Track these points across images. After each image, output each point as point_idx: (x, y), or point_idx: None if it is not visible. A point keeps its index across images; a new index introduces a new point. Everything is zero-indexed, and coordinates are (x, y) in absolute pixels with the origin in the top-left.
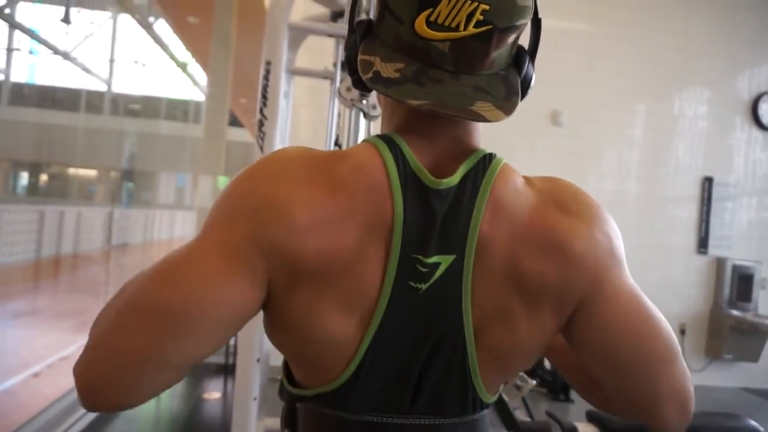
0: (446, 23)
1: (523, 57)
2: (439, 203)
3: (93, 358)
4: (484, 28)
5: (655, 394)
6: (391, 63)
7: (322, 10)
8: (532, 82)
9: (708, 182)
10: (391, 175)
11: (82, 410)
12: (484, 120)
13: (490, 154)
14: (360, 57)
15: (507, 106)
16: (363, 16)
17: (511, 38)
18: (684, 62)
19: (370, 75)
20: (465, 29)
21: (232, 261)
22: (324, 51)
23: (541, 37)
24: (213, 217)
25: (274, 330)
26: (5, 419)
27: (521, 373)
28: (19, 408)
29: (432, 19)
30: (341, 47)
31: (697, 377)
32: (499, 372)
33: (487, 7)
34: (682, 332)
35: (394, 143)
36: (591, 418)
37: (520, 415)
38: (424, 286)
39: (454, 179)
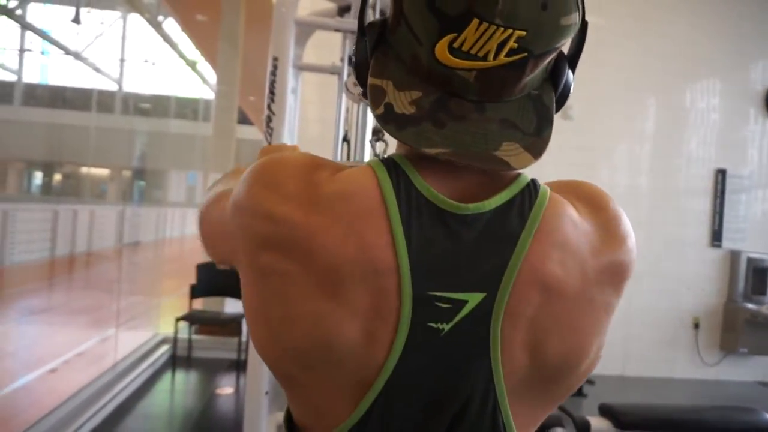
0: (473, 51)
1: (561, 68)
2: (464, 230)
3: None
4: (517, 57)
5: None
6: (406, 92)
7: (329, 5)
8: (571, 90)
9: (721, 174)
10: (388, 201)
11: (98, 406)
12: (510, 168)
13: (534, 181)
14: (370, 80)
15: (537, 146)
16: (376, 14)
17: (549, 58)
18: (695, 54)
19: (381, 110)
20: (495, 59)
21: (224, 227)
22: (331, 47)
23: (585, 41)
24: (234, 193)
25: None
26: (22, 415)
27: None
28: (35, 404)
29: (456, 45)
30: (348, 42)
31: (712, 371)
32: (539, 418)
33: (523, 34)
34: (695, 326)
35: (397, 166)
36: (603, 411)
37: None
38: (446, 327)
39: (486, 205)
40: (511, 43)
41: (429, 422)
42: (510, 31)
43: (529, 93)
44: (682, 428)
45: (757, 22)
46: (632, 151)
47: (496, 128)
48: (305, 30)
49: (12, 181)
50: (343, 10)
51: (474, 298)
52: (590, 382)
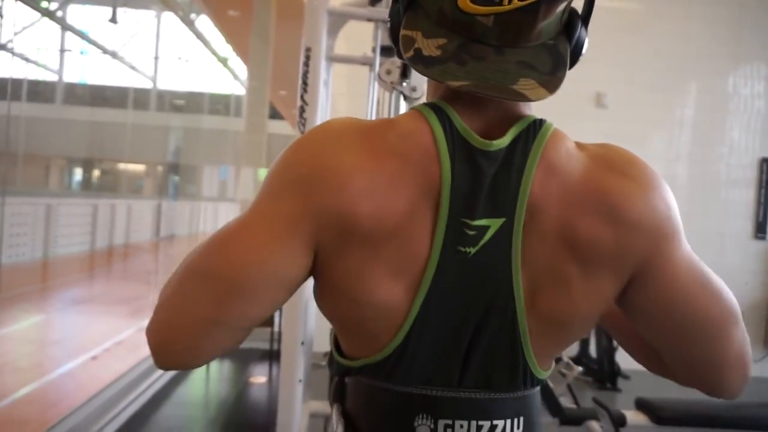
0: None
1: (574, 22)
2: (487, 164)
3: (160, 320)
4: (530, 1)
5: (715, 360)
6: (433, 39)
7: None
8: (584, 48)
9: (766, 164)
10: (438, 139)
11: (137, 392)
12: (527, 99)
13: (541, 120)
14: (402, 32)
15: (552, 82)
16: None
17: (562, 6)
18: (738, 37)
19: (411, 53)
20: (510, 3)
21: (281, 230)
22: (361, 38)
23: None
24: (264, 188)
25: (323, 295)
26: (67, 399)
27: (567, 360)
28: (79, 389)
29: None
30: (380, 32)
31: (756, 368)
32: (551, 342)
33: None
34: None
35: (441, 110)
36: (640, 405)
37: (566, 402)
38: (472, 250)
39: (504, 141)
40: None
41: (457, 333)
42: None
43: (544, 42)
44: (721, 424)
45: None
46: (671, 139)
47: (513, 67)
48: (337, 20)
49: (54, 177)
50: (375, 0)
51: (495, 223)
52: (625, 376)
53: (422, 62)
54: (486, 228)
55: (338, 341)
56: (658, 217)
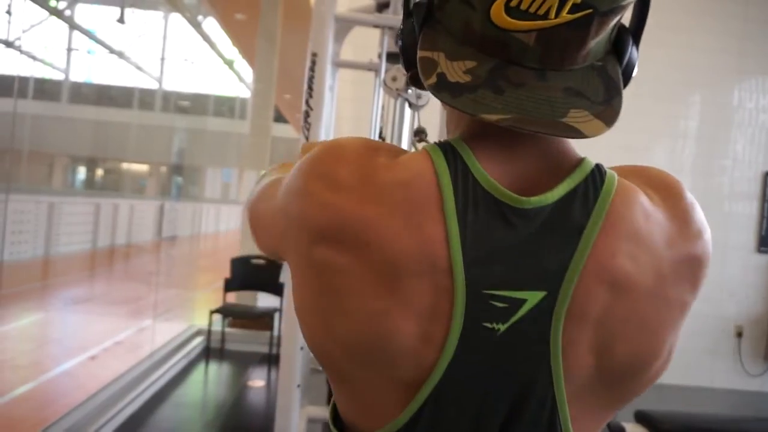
0: (532, 10)
1: (625, 40)
2: (524, 224)
3: (248, 216)
4: (581, 14)
5: None
6: (460, 61)
7: (368, 2)
8: (635, 70)
9: None
10: (444, 192)
11: (135, 393)
12: (581, 136)
13: (600, 167)
14: (420, 53)
15: (608, 114)
16: None
17: (614, 21)
18: (743, 50)
19: (433, 80)
20: (557, 16)
21: (274, 217)
22: (367, 44)
23: (649, 12)
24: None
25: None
26: (65, 398)
27: None
28: (78, 388)
29: (513, 4)
30: (386, 38)
31: (756, 382)
32: (602, 422)
33: None
34: (738, 335)
35: (455, 153)
36: (639, 418)
37: None
38: (502, 327)
39: (548, 197)
40: None
41: (480, 426)
42: None
43: (592, 64)
44: None
45: None
46: (674, 150)
47: (560, 96)
48: (344, 26)
49: (58, 175)
50: (382, 6)
51: (533, 297)
52: None
53: (448, 90)
54: (521, 301)
55: (336, 409)
56: None
